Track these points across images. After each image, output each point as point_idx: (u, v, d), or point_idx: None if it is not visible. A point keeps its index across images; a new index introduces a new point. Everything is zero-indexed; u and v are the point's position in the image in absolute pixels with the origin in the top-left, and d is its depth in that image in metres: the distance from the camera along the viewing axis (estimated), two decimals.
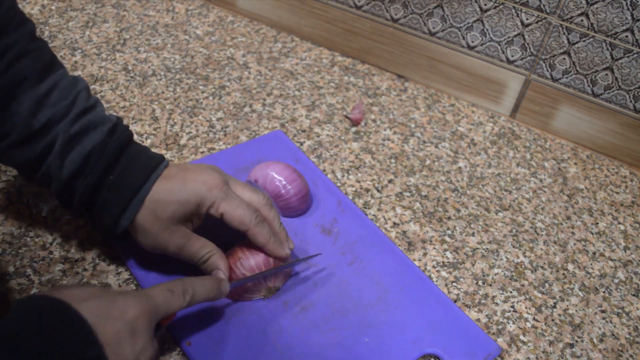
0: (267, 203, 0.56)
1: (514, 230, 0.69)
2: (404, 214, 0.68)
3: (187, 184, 0.52)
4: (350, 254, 0.61)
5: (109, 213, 0.51)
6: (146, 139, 0.71)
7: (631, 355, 0.58)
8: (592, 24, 0.72)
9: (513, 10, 0.76)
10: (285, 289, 0.57)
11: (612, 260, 0.68)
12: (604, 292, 0.64)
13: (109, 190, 0.51)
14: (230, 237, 0.56)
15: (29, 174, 0.52)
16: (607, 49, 0.73)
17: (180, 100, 0.77)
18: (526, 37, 0.77)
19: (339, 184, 0.70)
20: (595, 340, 0.59)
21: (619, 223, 0.72)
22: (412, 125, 0.80)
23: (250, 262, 0.55)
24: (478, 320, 0.59)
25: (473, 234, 0.67)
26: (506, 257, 0.65)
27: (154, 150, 0.69)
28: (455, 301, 0.60)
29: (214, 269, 0.54)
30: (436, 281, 0.61)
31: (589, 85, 0.77)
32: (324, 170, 0.71)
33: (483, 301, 0.61)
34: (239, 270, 0.55)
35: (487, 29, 0.78)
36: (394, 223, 0.67)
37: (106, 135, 0.51)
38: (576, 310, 0.62)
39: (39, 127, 0.49)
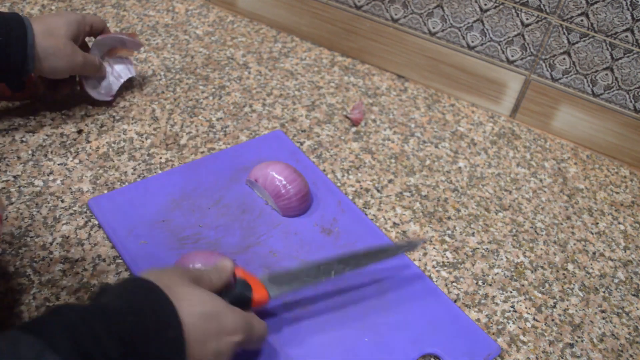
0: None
1: (514, 230, 0.69)
2: (404, 214, 0.68)
3: (60, 15, 0.66)
4: None
5: (14, 54, 0.61)
6: (146, 139, 0.71)
7: (631, 355, 0.58)
8: (592, 24, 0.72)
9: (513, 10, 0.76)
10: None
11: (612, 260, 0.68)
12: (604, 292, 0.64)
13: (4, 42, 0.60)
14: None
15: None
16: (607, 49, 0.73)
17: (180, 100, 0.77)
18: (526, 37, 0.77)
19: (339, 184, 0.70)
20: (595, 340, 0.59)
21: (619, 223, 0.72)
22: (412, 125, 0.80)
23: None
24: (478, 320, 0.59)
25: (473, 234, 0.67)
26: (506, 257, 0.65)
27: (153, 150, 0.69)
28: (455, 301, 0.60)
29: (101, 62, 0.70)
30: (436, 281, 0.61)
31: (589, 85, 0.77)
32: (324, 170, 0.71)
33: (483, 301, 0.61)
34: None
35: (487, 29, 0.78)
36: (394, 223, 0.67)
37: None
38: (576, 310, 0.62)
39: None
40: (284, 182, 0.62)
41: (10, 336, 0.34)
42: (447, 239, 0.66)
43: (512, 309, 0.60)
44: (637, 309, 0.63)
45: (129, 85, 0.78)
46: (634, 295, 0.64)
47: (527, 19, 0.75)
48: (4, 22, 0.60)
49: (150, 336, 0.39)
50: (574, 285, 0.64)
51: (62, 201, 0.62)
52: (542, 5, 0.74)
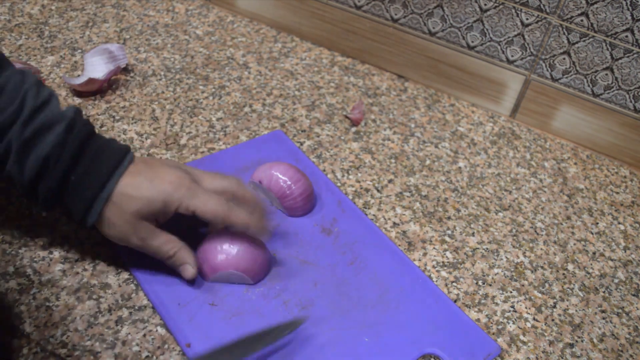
0: (239, 185, 0.57)
1: (514, 230, 0.69)
2: (404, 214, 0.68)
3: (154, 181, 0.52)
4: (350, 254, 0.61)
5: (76, 210, 0.52)
6: (146, 139, 0.71)
7: (631, 355, 0.58)
8: (592, 24, 0.72)
9: (513, 10, 0.76)
10: (285, 289, 0.57)
11: (612, 260, 0.68)
12: (604, 292, 0.64)
13: (73, 189, 0.51)
14: (200, 229, 0.60)
15: None
16: (607, 49, 0.73)
17: (180, 100, 0.77)
18: (526, 37, 0.77)
19: (339, 184, 0.70)
20: (595, 340, 0.59)
21: (619, 223, 0.72)
22: (412, 125, 0.80)
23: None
24: (478, 320, 0.59)
25: (473, 234, 0.67)
26: (506, 257, 0.65)
27: (153, 150, 0.69)
28: (455, 301, 0.60)
29: (181, 263, 0.55)
30: (436, 281, 0.61)
31: (589, 85, 0.77)
32: (324, 170, 0.71)
33: (483, 301, 0.61)
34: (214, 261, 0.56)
35: (487, 29, 0.78)
36: (394, 223, 0.67)
37: (63, 133, 0.50)
38: (576, 310, 0.62)
39: None
40: (288, 183, 0.62)
41: None
42: (447, 239, 0.66)
43: (512, 309, 0.60)
44: (637, 309, 0.63)
45: (128, 85, 0.78)
46: (634, 295, 0.64)
47: (527, 19, 0.75)
48: (101, 160, 0.52)
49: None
50: (574, 285, 0.64)
51: None
52: (542, 5, 0.74)
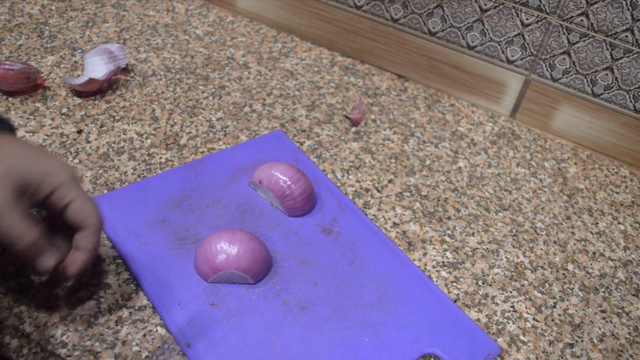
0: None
1: (514, 230, 0.69)
2: (404, 214, 0.68)
3: (21, 154, 0.47)
4: (350, 254, 0.61)
5: None
6: (146, 138, 0.71)
7: (631, 355, 0.58)
8: (592, 24, 0.72)
9: (513, 10, 0.76)
10: (285, 289, 0.57)
11: (612, 260, 0.68)
12: (604, 292, 0.64)
13: None
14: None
15: None
16: (607, 49, 0.73)
17: (180, 100, 0.77)
18: (526, 37, 0.77)
19: (339, 184, 0.70)
20: (595, 340, 0.59)
21: (619, 223, 0.72)
22: (412, 125, 0.80)
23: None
24: (478, 320, 0.59)
25: (473, 234, 0.67)
26: (506, 257, 0.65)
27: (153, 150, 0.69)
28: (455, 301, 0.60)
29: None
30: (436, 281, 0.61)
31: (589, 85, 0.77)
32: (324, 170, 0.71)
33: (483, 301, 0.61)
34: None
35: (487, 29, 0.78)
36: (394, 223, 0.67)
37: None
38: (576, 310, 0.62)
39: None
40: (288, 183, 0.62)
41: None
42: (447, 239, 0.66)
43: (512, 309, 0.60)
44: (637, 309, 0.63)
45: (128, 85, 0.78)
46: (634, 295, 0.64)
47: (527, 19, 0.75)
48: None
49: None
50: (574, 285, 0.64)
51: None
52: (542, 5, 0.74)
